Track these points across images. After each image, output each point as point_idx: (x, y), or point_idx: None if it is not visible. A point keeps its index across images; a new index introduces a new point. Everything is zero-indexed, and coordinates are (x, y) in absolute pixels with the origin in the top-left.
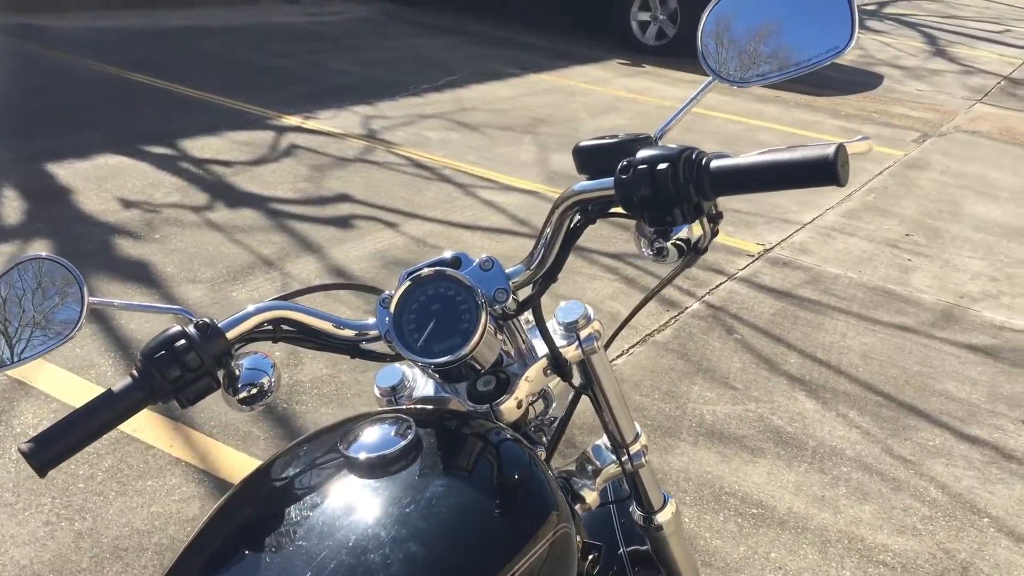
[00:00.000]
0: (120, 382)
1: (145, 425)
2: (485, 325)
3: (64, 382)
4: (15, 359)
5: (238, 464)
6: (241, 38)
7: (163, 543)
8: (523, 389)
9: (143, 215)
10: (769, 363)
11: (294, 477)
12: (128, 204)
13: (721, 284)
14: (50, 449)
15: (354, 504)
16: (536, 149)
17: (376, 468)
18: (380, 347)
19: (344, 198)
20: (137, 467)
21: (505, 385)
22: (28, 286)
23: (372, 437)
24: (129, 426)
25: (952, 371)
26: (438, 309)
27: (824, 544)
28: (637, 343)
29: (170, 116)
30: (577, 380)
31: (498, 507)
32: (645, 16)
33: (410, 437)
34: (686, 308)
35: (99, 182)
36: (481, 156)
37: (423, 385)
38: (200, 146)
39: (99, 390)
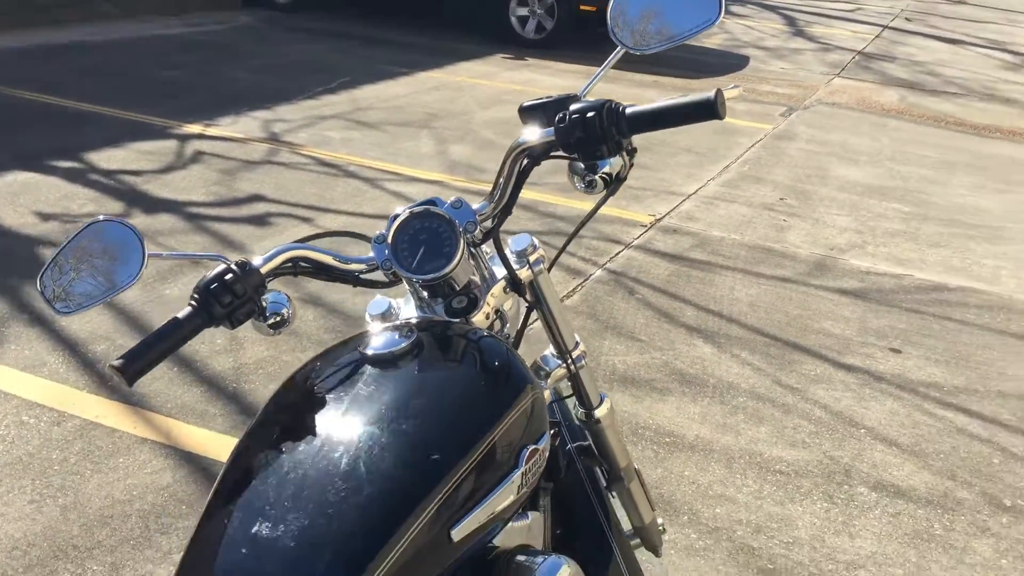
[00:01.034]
0: (182, 311)
1: (107, 412)
2: (463, 249)
3: (18, 380)
4: (88, 303)
5: (200, 439)
6: (128, 52)
7: (144, 509)
8: (489, 305)
9: (63, 226)
10: (669, 317)
11: (332, 372)
12: (46, 217)
13: (619, 252)
14: (135, 364)
15: (377, 388)
16: (434, 142)
17: (390, 361)
18: (375, 277)
19: (257, 198)
20: (106, 448)
21: (475, 302)
22: (97, 244)
23: (384, 340)
24: (92, 413)
25: (827, 312)
26: (425, 239)
27: (729, 461)
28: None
29: (71, 131)
30: (528, 298)
31: (488, 380)
32: (523, 11)
33: (413, 338)
34: (590, 275)
35: (12, 198)
36: (383, 152)
37: (406, 311)
38: (107, 158)
39: (54, 386)
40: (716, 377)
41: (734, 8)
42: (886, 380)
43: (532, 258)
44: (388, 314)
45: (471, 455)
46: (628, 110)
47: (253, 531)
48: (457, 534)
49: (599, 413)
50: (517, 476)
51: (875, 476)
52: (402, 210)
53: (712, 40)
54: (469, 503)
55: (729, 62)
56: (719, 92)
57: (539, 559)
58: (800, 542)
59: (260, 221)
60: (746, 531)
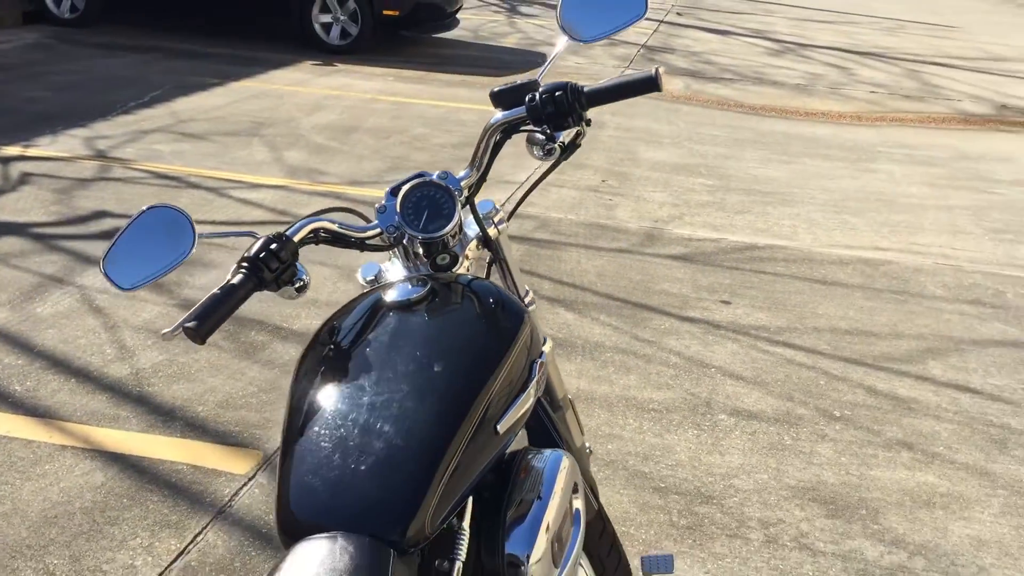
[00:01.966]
0: (235, 278)
1: (15, 425)
2: (459, 211)
3: None
4: (147, 279)
5: (119, 439)
6: None
7: (86, 506)
8: (467, 259)
9: None
10: (532, 290)
11: (362, 319)
12: None
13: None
14: (205, 324)
15: (410, 327)
16: (267, 149)
17: (411, 306)
18: (376, 243)
19: (102, 214)
20: (28, 458)
21: (456, 258)
22: (152, 226)
23: (402, 290)
24: (1, 428)
25: (664, 275)
26: (426, 205)
27: (609, 406)
28: None
29: None
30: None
31: (497, 312)
32: (327, 18)
33: (427, 287)
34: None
35: None
36: (219, 161)
37: (393, 272)
38: None
39: None
40: (583, 338)
41: (523, 8)
42: (723, 327)
43: (496, 219)
44: (379, 276)
45: (500, 370)
46: (586, 88)
47: (342, 451)
48: (501, 427)
49: (544, 350)
50: (533, 384)
51: (730, 404)
52: (401, 181)
53: (508, 40)
54: (505, 404)
55: (528, 59)
56: (658, 69)
57: (545, 452)
58: (682, 463)
59: (111, 236)
60: (636, 460)
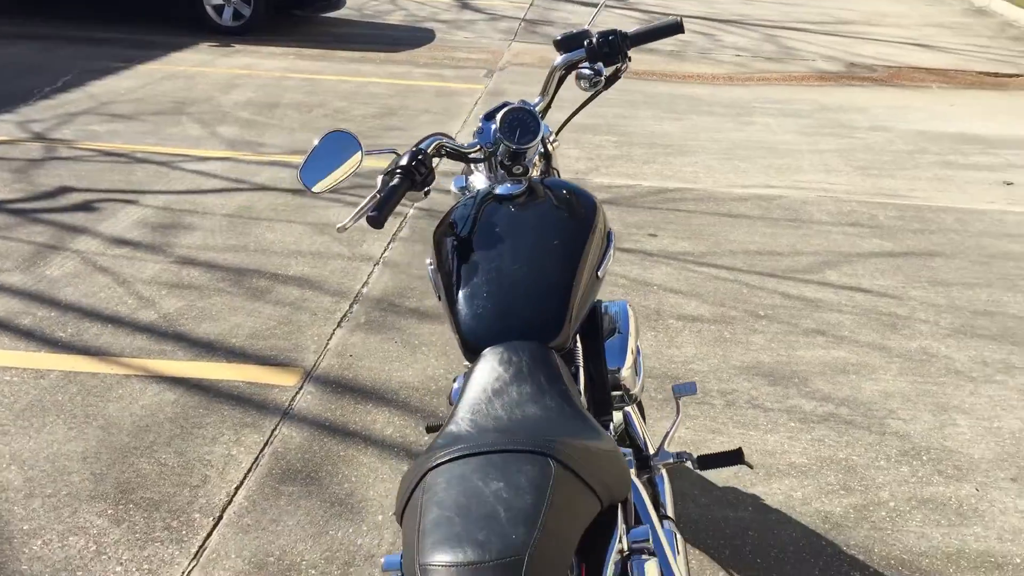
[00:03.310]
0: (394, 180)
1: (75, 363)
2: (542, 127)
3: None
4: (332, 184)
5: (174, 368)
6: None
7: (170, 416)
8: (536, 168)
9: None
10: None
11: (479, 209)
12: None
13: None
14: (381, 215)
15: (521, 212)
16: (199, 126)
17: (515, 198)
18: (475, 155)
19: (67, 189)
20: (100, 386)
21: (527, 170)
22: (331, 145)
23: (505, 189)
24: (63, 366)
25: None
26: (517, 124)
27: None
28: (389, 242)
29: None
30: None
31: (581, 198)
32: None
33: (525, 184)
34: (407, 214)
35: None
36: (158, 138)
37: (477, 182)
38: None
39: (5, 353)
40: None
41: None
42: (656, 255)
43: (551, 139)
44: (467, 185)
45: (593, 234)
46: (630, 32)
47: (502, 290)
48: (600, 273)
49: None
50: (612, 247)
51: (676, 312)
52: (495, 110)
53: (394, 17)
54: (599, 258)
55: (418, 35)
56: (680, 18)
57: (615, 302)
58: (647, 356)
59: (86, 207)
60: None
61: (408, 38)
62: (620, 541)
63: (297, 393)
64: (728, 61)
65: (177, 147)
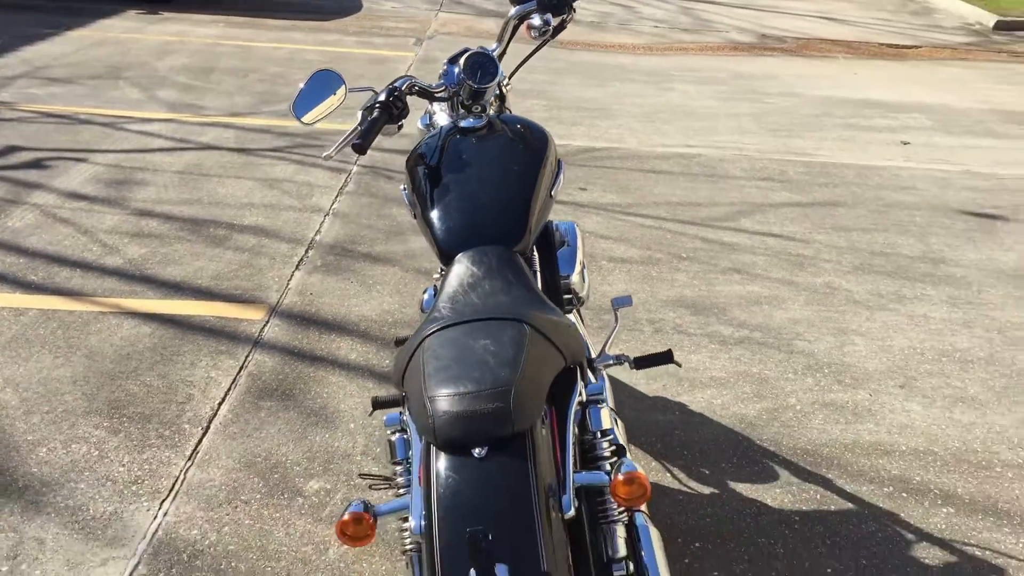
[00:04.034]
0: (374, 112)
1: (52, 303)
2: (500, 70)
3: None
4: (320, 117)
5: (146, 305)
6: None
7: (148, 346)
8: (491, 108)
9: None
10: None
11: (446, 139)
12: None
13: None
14: (365, 142)
15: (484, 141)
16: (138, 90)
17: (477, 131)
18: (440, 94)
19: (15, 148)
20: (78, 321)
21: (484, 109)
22: (319, 82)
23: (468, 123)
24: (40, 304)
25: None
26: (478, 66)
27: None
28: (337, 195)
29: None
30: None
31: (532, 131)
32: None
33: (486, 119)
34: (351, 171)
35: None
36: (98, 101)
37: (440, 119)
38: None
39: None
40: None
41: None
42: (587, 205)
43: (505, 82)
44: (431, 123)
45: (547, 159)
46: None
47: (472, 203)
48: (554, 193)
49: None
50: (562, 172)
51: (607, 255)
52: (457, 55)
53: None
54: (552, 181)
55: (345, 5)
56: None
57: (564, 221)
58: None
59: (38, 165)
60: None
61: (335, 7)
62: (580, 394)
63: (265, 325)
64: (647, 32)
65: (119, 110)
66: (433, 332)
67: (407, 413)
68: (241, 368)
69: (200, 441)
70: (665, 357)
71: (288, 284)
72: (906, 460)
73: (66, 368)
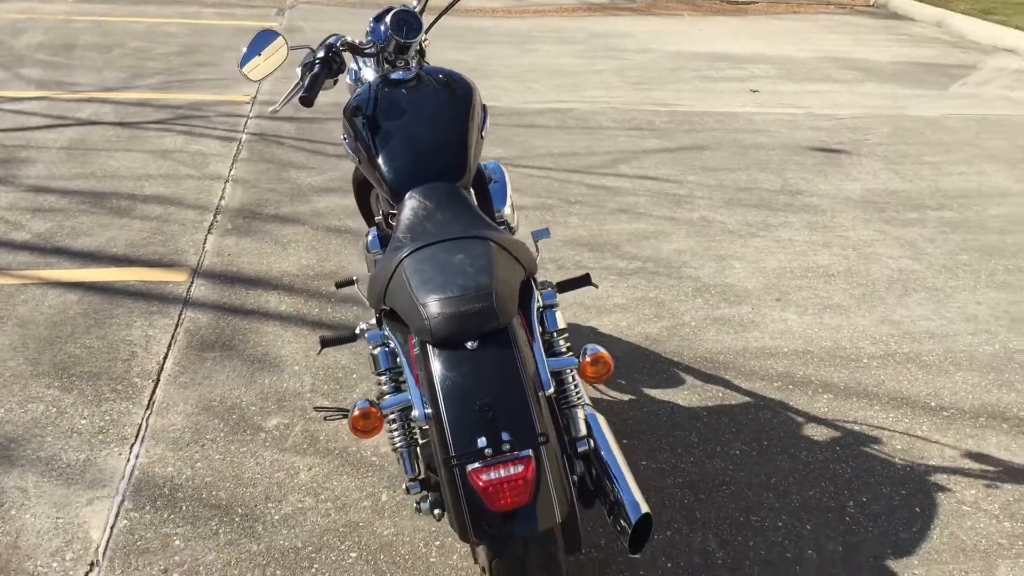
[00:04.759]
0: (315, 68)
1: None
2: (423, 25)
3: None
4: (264, 74)
5: (66, 275)
6: None
7: (79, 312)
8: (413, 62)
9: None
10: (318, 152)
11: (379, 89)
12: None
13: (246, 122)
14: (310, 95)
15: (416, 91)
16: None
17: (407, 82)
18: (368, 50)
19: None
20: (1, 295)
21: (407, 63)
22: (263, 41)
23: (398, 75)
24: None
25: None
26: (402, 23)
27: None
28: (232, 163)
29: None
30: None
31: (457, 81)
32: None
33: (415, 70)
34: (241, 140)
35: None
36: None
37: (367, 75)
38: None
39: None
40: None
41: None
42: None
43: (423, 37)
44: (359, 78)
45: (475, 103)
46: None
47: (417, 143)
48: (484, 134)
49: None
50: (488, 116)
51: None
52: (383, 12)
53: None
54: (482, 123)
55: None
56: None
57: (490, 161)
58: None
59: None
60: None
61: None
62: (538, 301)
63: (191, 286)
64: None
65: None
66: (409, 254)
67: (387, 329)
68: (177, 325)
69: (154, 392)
70: (584, 280)
71: (204, 247)
72: (789, 359)
73: (1, 337)
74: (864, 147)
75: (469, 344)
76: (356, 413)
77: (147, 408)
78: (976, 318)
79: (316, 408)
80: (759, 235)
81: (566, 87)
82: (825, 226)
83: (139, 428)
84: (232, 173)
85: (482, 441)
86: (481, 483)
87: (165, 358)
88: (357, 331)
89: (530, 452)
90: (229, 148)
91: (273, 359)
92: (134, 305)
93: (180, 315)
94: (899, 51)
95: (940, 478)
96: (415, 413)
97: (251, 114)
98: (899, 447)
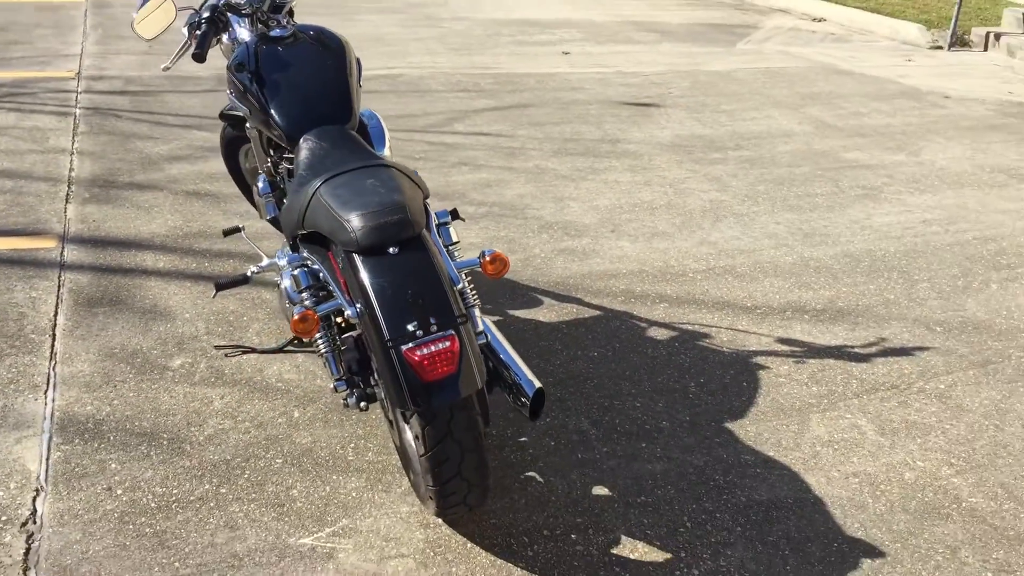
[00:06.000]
0: (202, 29)
1: None
2: None
3: None
4: (156, 34)
5: (8, 245)
6: None
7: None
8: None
9: None
10: (160, 123)
11: (259, 47)
12: None
13: (77, 96)
14: (203, 50)
15: (291, 46)
16: None
17: (285, 39)
18: (245, 11)
19: None
20: None
21: (280, 23)
22: (149, 6)
23: (277, 32)
24: None
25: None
26: None
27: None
28: (73, 136)
29: None
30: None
31: (330, 36)
32: None
33: (292, 28)
34: (76, 114)
35: None
36: None
37: (242, 34)
38: None
39: None
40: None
41: None
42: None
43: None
44: (236, 37)
45: (349, 53)
46: None
47: (305, 91)
48: (360, 83)
49: None
50: (361, 68)
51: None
52: None
53: None
54: (359, 72)
55: None
56: None
57: (365, 109)
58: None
59: None
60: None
61: None
62: (435, 219)
63: (63, 251)
64: None
65: None
66: (323, 183)
67: (305, 252)
68: (60, 286)
69: (53, 345)
70: (454, 214)
71: (66, 215)
72: (628, 279)
73: None
74: (669, 99)
75: (391, 250)
76: (295, 317)
77: (51, 359)
78: (776, 235)
79: (216, 347)
80: (588, 178)
81: (392, 54)
82: (644, 168)
83: (48, 376)
84: (76, 146)
85: (412, 325)
86: (416, 358)
87: (56, 315)
88: (248, 273)
89: (452, 331)
90: (66, 123)
91: (163, 309)
92: (10, 271)
93: (60, 277)
94: (691, 14)
95: (759, 359)
96: (348, 313)
97: (80, 89)
98: (725, 339)
